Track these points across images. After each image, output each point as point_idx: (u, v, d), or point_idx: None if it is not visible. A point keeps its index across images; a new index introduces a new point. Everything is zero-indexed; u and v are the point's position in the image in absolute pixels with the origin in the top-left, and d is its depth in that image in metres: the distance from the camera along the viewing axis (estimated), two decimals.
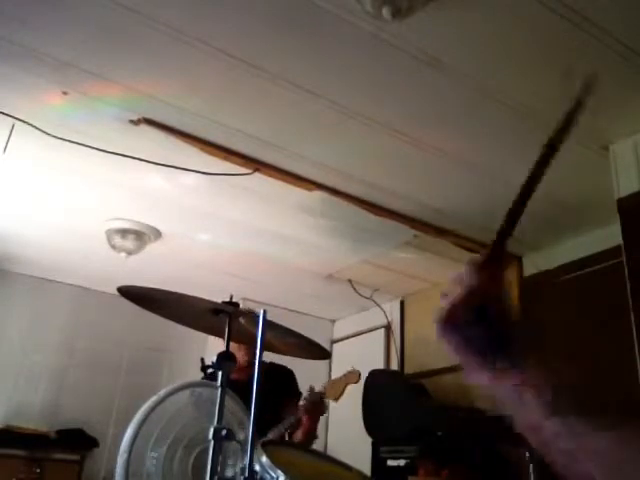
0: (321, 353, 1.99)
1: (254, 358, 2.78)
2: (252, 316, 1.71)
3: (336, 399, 2.69)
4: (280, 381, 2.80)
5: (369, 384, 3.90)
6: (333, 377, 2.82)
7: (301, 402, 2.69)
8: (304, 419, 2.63)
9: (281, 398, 2.73)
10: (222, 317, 1.77)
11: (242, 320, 1.80)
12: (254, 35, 2.14)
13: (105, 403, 4.70)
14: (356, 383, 2.74)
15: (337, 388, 2.70)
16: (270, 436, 2.54)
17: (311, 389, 2.70)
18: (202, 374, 1.94)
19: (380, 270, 4.22)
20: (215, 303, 1.72)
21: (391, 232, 3.59)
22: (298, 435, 2.67)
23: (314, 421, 2.66)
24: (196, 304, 1.75)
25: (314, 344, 1.88)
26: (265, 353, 1.61)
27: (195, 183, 3.17)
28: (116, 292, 1.66)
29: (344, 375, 2.76)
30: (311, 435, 2.69)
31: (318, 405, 2.66)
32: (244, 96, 2.48)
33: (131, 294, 1.73)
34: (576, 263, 3.42)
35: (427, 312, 4.47)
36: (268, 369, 2.75)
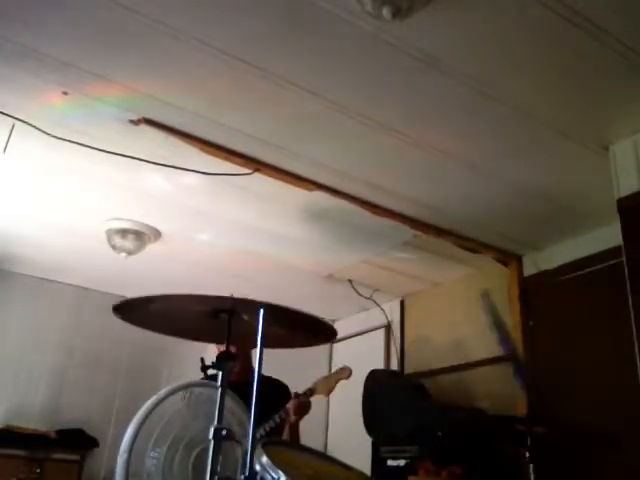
0: (327, 333, 1.93)
1: (249, 363, 2.81)
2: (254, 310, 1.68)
3: (327, 394, 2.86)
4: (275, 395, 2.82)
5: (369, 384, 3.90)
6: (326, 375, 2.94)
7: (291, 402, 2.75)
8: (291, 418, 2.72)
9: (275, 411, 2.75)
10: (222, 317, 1.76)
11: (245, 317, 1.78)
12: (254, 35, 2.14)
13: (105, 403, 4.70)
14: (347, 379, 2.89)
15: (329, 384, 2.85)
16: (259, 432, 2.60)
17: (296, 395, 2.80)
18: (202, 374, 1.93)
19: (380, 270, 4.23)
20: (215, 298, 1.70)
21: (391, 232, 3.59)
22: (284, 431, 2.75)
23: (300, 418, 2.76)
24: (196, 304, 1.74)
25: (319, 322, 1.82)
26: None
27: (195, 183, 3.18)
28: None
29: (335, 372, 2.92)
30: (295, 431, 2.76)
31: (306, 405, 2.77)
32: (244, 96, 2.48)
33: (125, 310, 1.69)
34: (576, 263, 3.42)
35: (427, 312, 4.48)
36: (264, 382, 2.76)
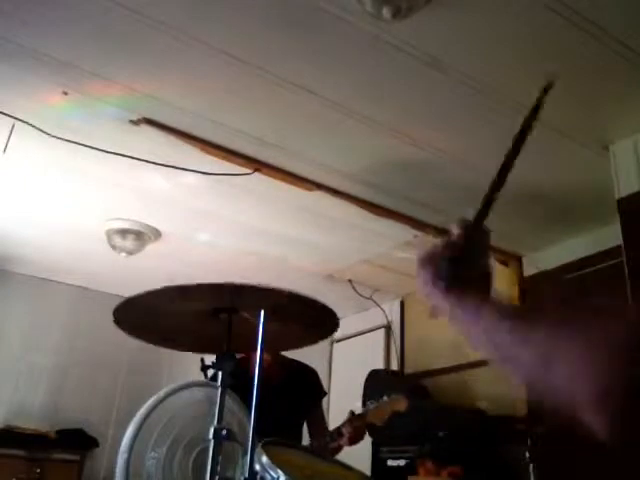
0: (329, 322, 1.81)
1: (277, 357, 2.73)
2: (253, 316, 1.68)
3: (380, 424, 2.56)
4: (305, 381, 2.76)
5: (369, 384, 3.90)
6: (378, 401, 2.58)
7: (344, 428, 2.49)
8: (343, 442, 2.48)
9: (305, 398, 2.68)
10: (223, 317, 1.77)
11: (245, 314, 1.77)
12: (254, 35, 2.14)
13: (105, 403, 4.71)
14: (402, 410, 2.57)
15: (382, 413, 2.57)
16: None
17: (352, 413, 2.55)
18: (202, 374, 1.92)
19: (380, 270, 4.22)
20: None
21: (391, 232, 3.59)
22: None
23: (353, 444, 2.51)
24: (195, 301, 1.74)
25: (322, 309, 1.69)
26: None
27: (195, 183, 3.17)
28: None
29: (389, 400, 2.61)
30: (336, 453, 2.55)
31: (362, 431, 2.53)
32: (244, 96, 2.48)
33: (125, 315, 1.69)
34: (576, 263, 3.41)
35: (427, 312, 4.47)
36: (294, 369, 2.73)
